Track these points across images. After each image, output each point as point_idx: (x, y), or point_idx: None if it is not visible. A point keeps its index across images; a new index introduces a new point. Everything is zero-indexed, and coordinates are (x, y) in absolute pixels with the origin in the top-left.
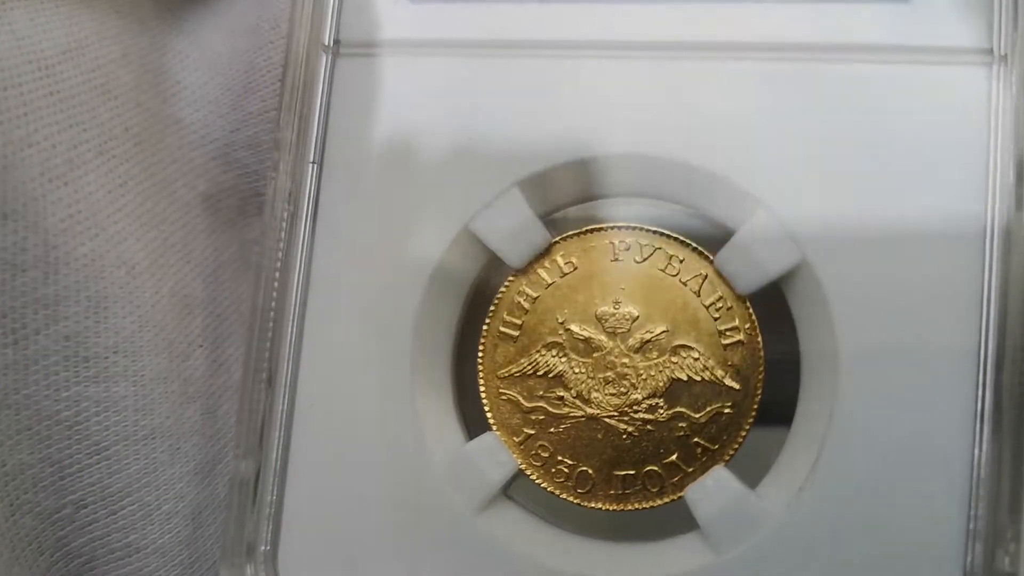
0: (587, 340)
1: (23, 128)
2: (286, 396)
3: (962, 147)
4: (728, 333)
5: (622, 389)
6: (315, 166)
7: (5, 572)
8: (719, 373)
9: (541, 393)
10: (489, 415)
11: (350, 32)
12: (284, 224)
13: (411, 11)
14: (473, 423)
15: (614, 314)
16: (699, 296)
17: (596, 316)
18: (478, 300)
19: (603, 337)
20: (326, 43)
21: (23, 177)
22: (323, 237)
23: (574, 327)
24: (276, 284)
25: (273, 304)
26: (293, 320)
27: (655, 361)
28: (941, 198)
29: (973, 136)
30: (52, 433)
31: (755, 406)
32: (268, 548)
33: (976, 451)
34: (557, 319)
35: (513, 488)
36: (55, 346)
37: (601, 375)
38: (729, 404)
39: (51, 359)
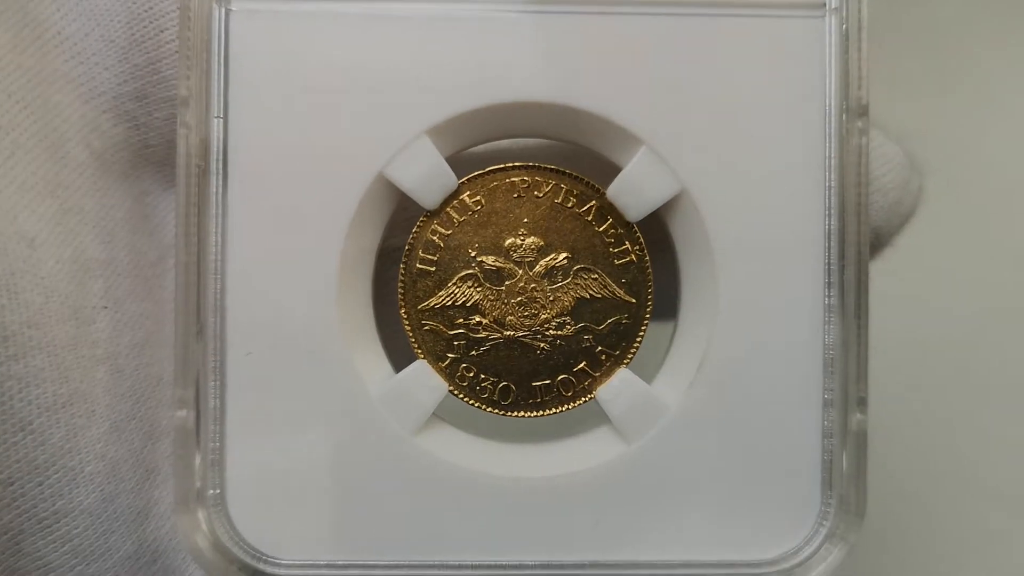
0: (499, 270)
1: None
2: (217, 346)
3: (805, 86)
4: (620, 255)
5: (533, 311)
6: (221, 120)
7: None
8: (617, 290)
9: (461, 321)
10: (415, 345)
11: None
12: (195, 180)
13: None
14: (397, 355)
15: (521, 245)
16: (593, 224)
17: (505, 248)
18: (391, 238)
19: (513, 266)
20: None
21: None
22: (235, 189)
23: (486, 259)
24: (196, 240)
25: (195, 259)
26: (216, 273)
27: (560, 284)
28: (789, 131)
29: (814, 76)
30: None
31: (647, 315)
32: (217, 492)
33: (826, 336)
34: (470, 253)
35: (441, 408)
36: None
37: (514, 300)
38: (626, 315)
39: None
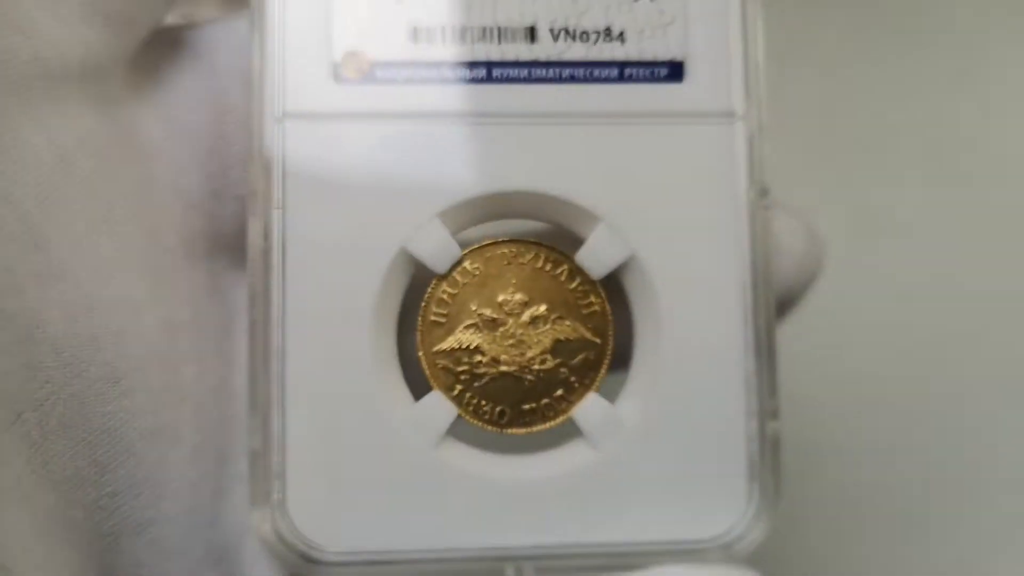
0: (494, 320)
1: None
2: (280, 387)
3: (724, 174)
4: (587, 306)
5: (521, 351)
6: (280, 211)
7: (65, 558)
8: (585, 333)
9: (465, 360)
10: (430, 379)
11: (294, 106)
12: (262, 254)
13: (338, 89)
14: (415, 388)
15: (510, 300)
16: (565, 283)
17: (498, 303)
18: (409, 297)
19: (506, 317)
20: (277, 115)
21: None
22: (292, 262)
23: (484, 312)
24: (263, 301)
25: (263, 317)
26: (279, 327)
27: (542, 329)
28: (715, 207)
29: (730, 167)
30: (100, 441)
31: (609, 351)
32: (280, 496)
33: (746, 364)
34: (472, 308)
35: (453, 430)
36: (100, 371)
37: (506, 343)
38: (592, 352)
39: (100, 384)
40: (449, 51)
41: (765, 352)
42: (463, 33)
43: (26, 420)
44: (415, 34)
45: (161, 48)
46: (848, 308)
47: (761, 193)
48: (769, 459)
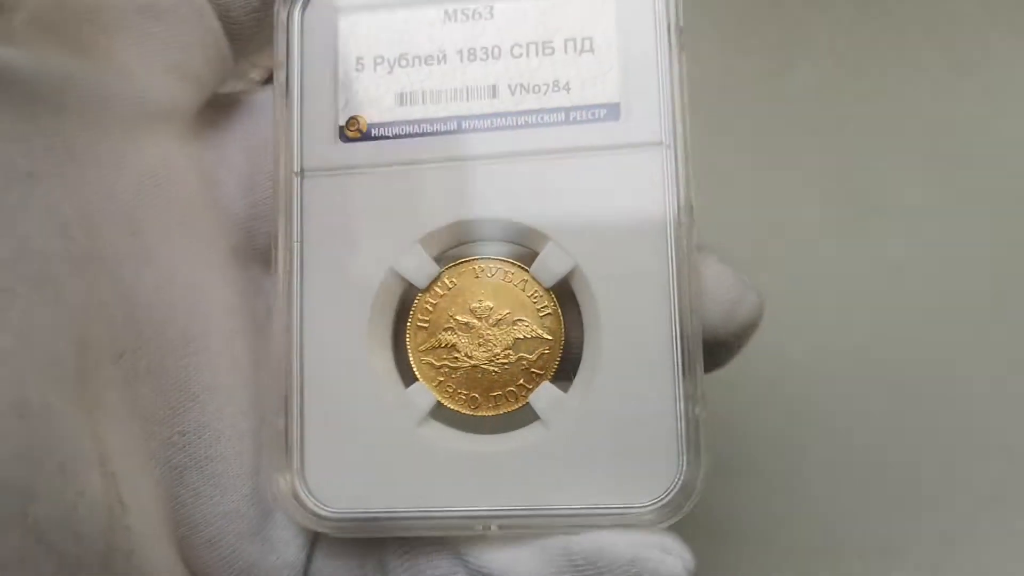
0: (467, 323)
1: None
2: (300, 378)
3: (654, 195)
4: (542, 309)
5: (489, 348)
6: (299, 244)
7: (144, 481)
8: (540, 332)
9: (444, 356)
10: (416, 372)
11: (308, 162)
12: (286, 275)
13: (342, 147)
14: (404, 378)
15: (479, 307)
16: (524, 291)
17: (470, 309)
18: (401, 307)
19: (476, 321)
20: (296, 170)
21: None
22: (308, 279)
23: (459, 317)
24: (286, 311)
25: (287, 325)
26: (298, 332)
27: (506, 329)
28: (647, 222)
29: (659, 190)
30: (172, 388)
31: (561, 347)
32: (299, 464)
33: (674, 356)
34: (449, 314)
35: (433, 412)
36: (176, 332)
37: (477, 341)
38: (547, 348)
39: (176, 342)
40: (428, 110)
41: (691, 344)
42: (438, 95)
43: (125, 360)
44: (401, 98)
45: (220, 107)
46: (848, 288)
47: (687, 211)
48: (694, 439)
